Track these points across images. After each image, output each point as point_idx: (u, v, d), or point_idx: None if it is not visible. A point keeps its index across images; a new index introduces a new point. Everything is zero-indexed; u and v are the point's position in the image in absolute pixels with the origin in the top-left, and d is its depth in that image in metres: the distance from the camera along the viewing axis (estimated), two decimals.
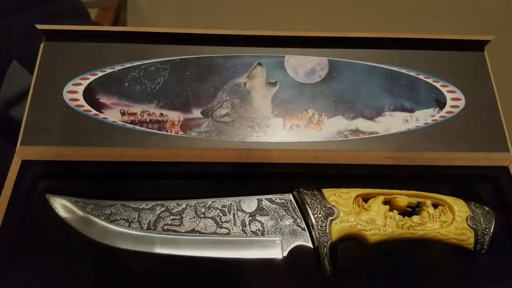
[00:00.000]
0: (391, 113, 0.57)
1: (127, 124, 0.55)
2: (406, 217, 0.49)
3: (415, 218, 0.49)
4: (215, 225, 0.49)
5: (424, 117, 0.57)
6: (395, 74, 0.59)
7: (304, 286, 0.48)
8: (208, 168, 0.54)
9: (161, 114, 0.56)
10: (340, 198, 0.49)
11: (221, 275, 0.48)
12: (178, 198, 0.51)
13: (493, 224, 0.48)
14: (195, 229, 0.49)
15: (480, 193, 0.54)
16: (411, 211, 0.51)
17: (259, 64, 0.59)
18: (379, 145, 0.55)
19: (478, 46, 0.61)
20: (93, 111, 0.55)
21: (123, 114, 0.55)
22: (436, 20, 1.43)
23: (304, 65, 0.59)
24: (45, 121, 0.54)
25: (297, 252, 0.48)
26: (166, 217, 0.49)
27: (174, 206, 0.50)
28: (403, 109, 0.58)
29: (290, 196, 0.51)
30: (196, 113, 0.56)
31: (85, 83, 0.56)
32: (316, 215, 0.48)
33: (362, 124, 0.57)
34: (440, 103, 0.58)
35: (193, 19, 1.44)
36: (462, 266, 0.49)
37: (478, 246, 0.48)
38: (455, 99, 0.58)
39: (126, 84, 0.57)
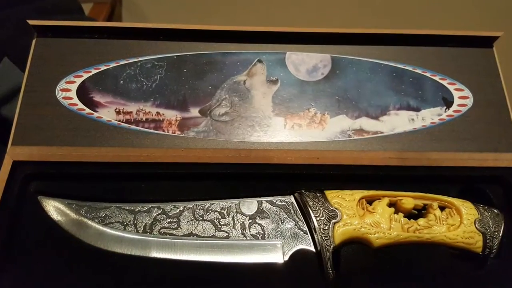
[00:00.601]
0: (396, 112, 0.57)
1: (122, 124, 0.55)
2: (412, 220, 0.49)
3: (421, 221, 0.49)
4: (214, 228, 0.49)
5: (430, 116, 0.57)
6: (401, 71, 0.59)
7: None
8: (207, 169, 0.54)
9: (158, 113, 0.56)
10: (344, 200, 0.49)
11: (220, 280, 0.48)
12: (175, 200, 0.51)
13: (503, 227, 0.48)
14: (193, 232, 0.49)
15: (489, 195, 0.54)
16: (417, 213, 0.51)
17: (259, 61, 0.59)
18: (383, 145, 0.55)
19: (486, 42, 0.61)
20: (87, 110, 0.55)
21: (118, 113, 0.55)
22: (443, 16, 1.43)
23: (306, 62, 0.59)
24: (37, 120, 0.54)
25: (298, 256, 0.48)
26: (163, 220, 0.49)
27: (171, 209, 0.50)
28: (408, 107, 0.58)
29: (292, 198, 0.51)
30: (194, 112, 0.56)
31: (79, 80, 0.56)
32: (318, 218, 0.48)
33: (366, 123, 0.57)
34: (447, 102, 0.58)
35: (191, 15, 1.44)
36: (470, 271, 0.49)
37: (487, 250, 0.48)
38: (462, 98, 0.58)
39: (121, 81, 0.57)
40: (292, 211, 0.50)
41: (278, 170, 0.54)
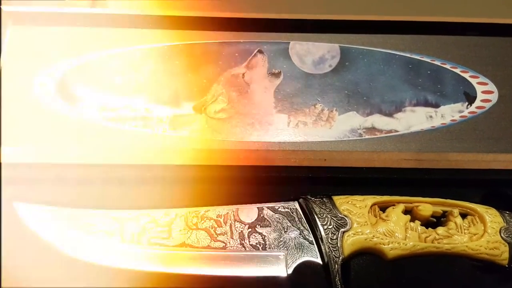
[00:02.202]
0: (412, 108, 0.57)
1: (107, 121, 0.55)
2: (430, 228, 0.49)
3: (440, 229, 0.49)
4: (209, 238, 0.49)
5: (450, 113, 0.57)
6: (417, 63, 0.59)
7: None
8: (201, 171, 0.54)
9: (147, 110, 0.56)
10: (354, 206, 0.49)
11: None
12: (166, 206, 0.51)
13: None
14: (186, 242, 0.49)
15: None
16: (435, 221, 0.51)
17: (260, 51, 0.59)
18: (398, 145, 0.55)
19: None
20: (68, 106, 0.55)
21: (102, 109, 0.55)
22: (464, 1, 1.43)
23: (312, 53, 0.59)
24: (11, 117, 0.54)
25: (303, 269, 0.48)
26: (152, 228, 0.49)
27: (162, 216, 0.50)
28: (426, 103, 0.58)
29: (296, 204, 0.51)
30: (187, 108, 0.56)
31: (59, 73, 0.56)
32: (325, 226, 0.48)
33: (378, 121, 0.57)
34: (469, 97, 0.58)
35: (183, 0, 1.44)
36: (494, 285, 0.49)
37: None
38: (486, 92, 0.58)
39: (106, 74, 0.57)
40: (296, 219, 0.50)
41: (281, 173, 0.54)
